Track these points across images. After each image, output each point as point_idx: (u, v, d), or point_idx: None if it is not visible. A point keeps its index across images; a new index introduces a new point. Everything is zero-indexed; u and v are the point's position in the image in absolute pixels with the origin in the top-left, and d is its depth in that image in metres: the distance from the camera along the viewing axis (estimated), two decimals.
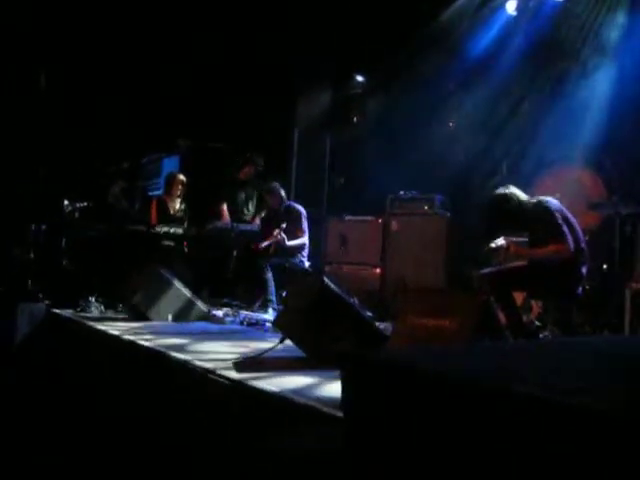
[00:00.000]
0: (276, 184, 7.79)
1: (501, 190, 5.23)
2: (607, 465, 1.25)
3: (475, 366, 1.87)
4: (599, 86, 7.02)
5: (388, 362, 1.91)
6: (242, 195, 8.77)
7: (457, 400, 1.59)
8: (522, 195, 5.19)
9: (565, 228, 4.90)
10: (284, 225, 7.30)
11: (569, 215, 5.08)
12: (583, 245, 5.06)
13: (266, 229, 7.80)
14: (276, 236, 7.30)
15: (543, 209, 5.02)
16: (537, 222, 5.05)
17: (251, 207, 8.74)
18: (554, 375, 1.75)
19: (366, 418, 1.90)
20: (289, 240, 7.34)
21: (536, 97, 7.73)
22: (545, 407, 1.37)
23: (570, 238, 4.88)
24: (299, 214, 7.61)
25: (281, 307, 6.52)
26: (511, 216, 5.16)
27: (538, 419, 1.38)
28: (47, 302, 6.66)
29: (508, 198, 5.14)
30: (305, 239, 7.58)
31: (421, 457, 1.68)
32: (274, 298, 7.10)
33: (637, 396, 1.49)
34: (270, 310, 6.93)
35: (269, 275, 7.16)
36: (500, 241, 5.14)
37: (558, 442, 1.34)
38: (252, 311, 7.08)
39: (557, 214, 4.96)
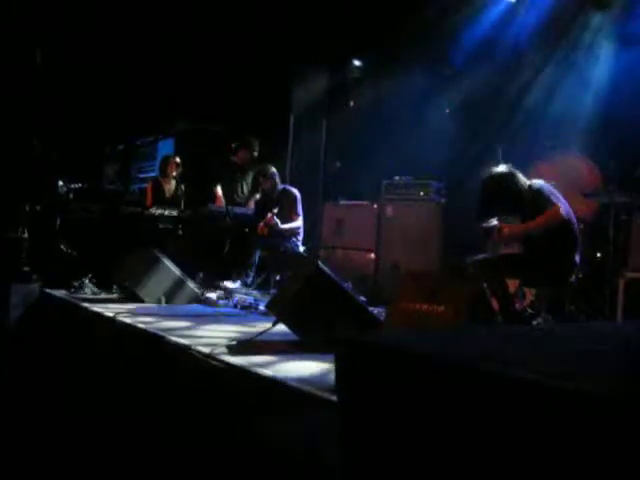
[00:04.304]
0: (271, 167, 7.76)
1: (499, 168, 5.20)
2: (605, 450, 1.25)
3: (471, 350, 1.87)
4: (596, 72, 7.01)
5: (383, 345, 1.90)
6: (237, 179, 8.75)
7: (454, 383, 1.59)
8: (519, 176, 5.17)
9: (554, 199, 4.92)
10: (276, 210, 7.29)
11: (561, 199, 5.08)
12: (577, 233, 5.07)
13: (261, 212, 7.78)
14: (269, 220, 7.29)
15: (535, 192, 5.04)
16: (529, 205, 5.05)
17: (246, 191, 8.73)
18: (551, 360, 1.75)
19: (361, 402, 1.90)
20: (283, 224, 7.34)
21: (532, 83, 7.70)
22: (543, 391, 1.37)
23: (562, 206, 4.89)
24: (294, 197, 7.60)
25: (275, 291, 6.54)
26: (507, 195, 5.13)
27: (535, 403, 1.38)
28: (40, 283, 6.65)
29: (508, 176, 5.11)
30: (299, 223, 7.57)
31: (416, 440, 1.68)
32: (252, 278, 7.29)
33: (635, 381, 1.50)
34: (239, 281, 7.23)
35: (255, 257, 7.33)
36: (493, 221, 5.14)
37: (556, 427, 1.34)
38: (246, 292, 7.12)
39: (547, 193, 4.98)
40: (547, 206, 4.91)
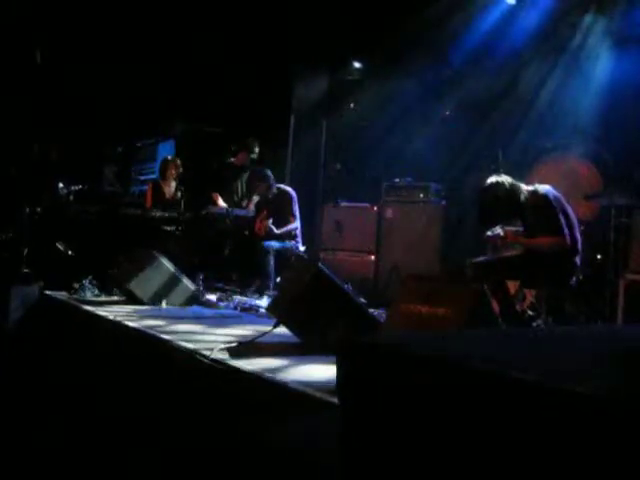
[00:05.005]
0: (265, 170, 7.73)
1: (492, 178, 5.23)
2: (605, 451, 1.25)
3: (472, 351, 1.87)
4: (597, 75, 7.01)
5: (383, 347, 1.90)
6: (237, 180, 8.75)
7: (454, 384, 1.59)
8: (514, 183, 5.19)
9: (562, 220, 4.91)
10: (270, 221, 7.26)
11: (565, 204, 5.08)
12: (578, 235, 5.07)
13: (259, 215, 7.78)
14: (265, 227, 7.27)
15: (540, 198, 5.02)
16: (533, 211, 5.05)
17: (246, 192, 8.72)
18: (551, 362, 1.75)
19: (361, 403, 1.90)
20: (280, 226, 7.33)
21: (533, 86, 7.70)
22: (543, 392, 1.37)
23: (567, 230, 4.90)
24: (290, 199, 7.58)
25: (276, 293, 6.52)
26: (503, 204, 5.15)
27: (536, 404, 1.38)
28: (41, 285, 6.64)
29: (499, 186, 5.14)
30: (296, 224, 7.55)
31: (416, 441, 1.68)
32: (272, 285, 7.10)
33: (635, 383, 1.50)
34: (265, 297, 6.89)
35: (271, 261, 7.15)
36: (497, 229, 5.15)
37: (556, 427, 1.34)
38: (246, 296, 7.07)
39: (554, 204, 4.97)
40: (553, 225, 4.91)
